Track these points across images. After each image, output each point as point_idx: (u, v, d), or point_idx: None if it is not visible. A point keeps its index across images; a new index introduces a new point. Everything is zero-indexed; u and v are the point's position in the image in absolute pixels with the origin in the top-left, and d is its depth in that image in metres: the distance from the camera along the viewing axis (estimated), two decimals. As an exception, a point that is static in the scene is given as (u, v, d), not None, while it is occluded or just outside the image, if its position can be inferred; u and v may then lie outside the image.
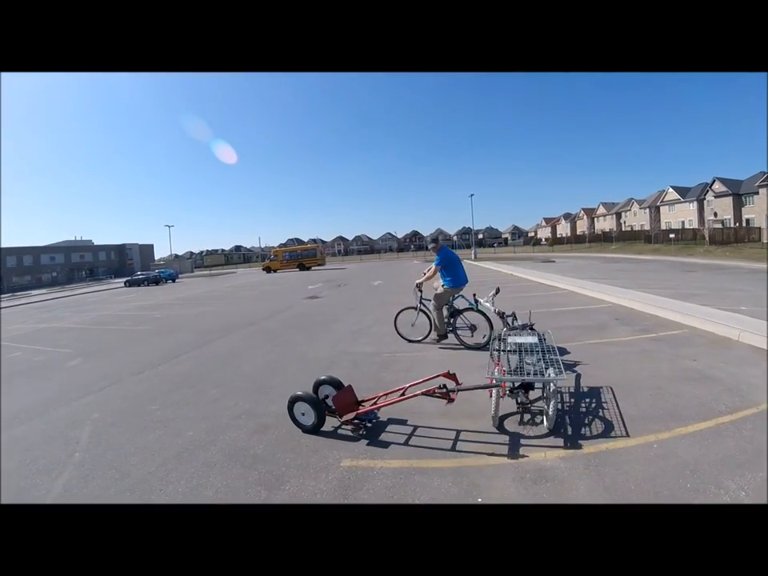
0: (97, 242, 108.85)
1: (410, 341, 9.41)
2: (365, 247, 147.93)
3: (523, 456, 4.25)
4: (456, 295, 8.98)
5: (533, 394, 5.19)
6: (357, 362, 8.11)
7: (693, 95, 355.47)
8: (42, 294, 53.08)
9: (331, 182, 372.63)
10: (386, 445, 4.72)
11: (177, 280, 54.67)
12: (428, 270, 9.18)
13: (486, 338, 8.26)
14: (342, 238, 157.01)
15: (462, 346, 8.66)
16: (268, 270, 55.88)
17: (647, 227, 75.20)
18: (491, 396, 5.01)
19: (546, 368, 4.96)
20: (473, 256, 52.67)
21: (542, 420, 4.89)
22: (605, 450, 4.24)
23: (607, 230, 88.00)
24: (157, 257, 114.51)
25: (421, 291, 9.34)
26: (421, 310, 9.42)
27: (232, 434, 5.36)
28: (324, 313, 15.40)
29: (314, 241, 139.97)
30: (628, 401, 5.37)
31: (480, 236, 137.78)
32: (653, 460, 4.01)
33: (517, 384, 5.00)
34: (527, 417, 5.14)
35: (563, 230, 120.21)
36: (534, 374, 4.87)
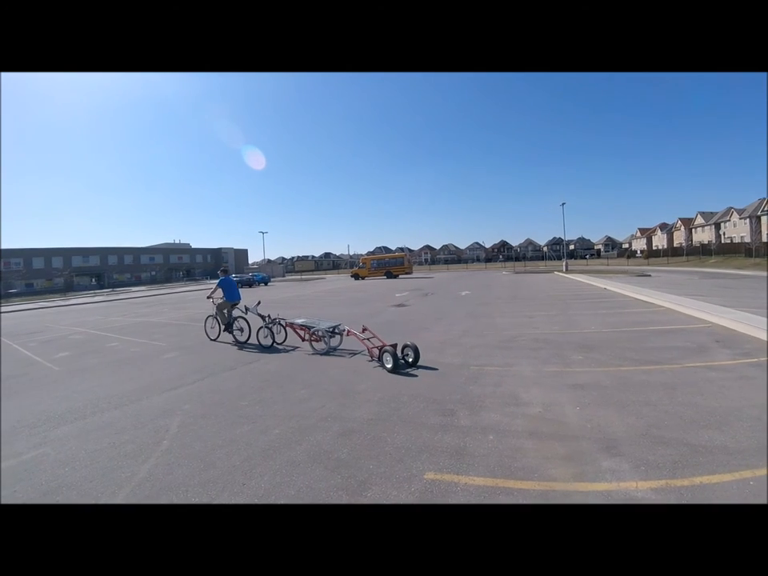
0: (194, 245, 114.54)
1: (211, 339, 13.18)
2: (452, 256, 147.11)
3: (614, 483, 4.05)
4: (234, 308, 12.86)
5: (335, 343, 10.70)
6: (444, 373, 8.03)
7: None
8: (141, 290, 56.47)
9: (419, 191, 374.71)
10: (472, 460, 4.61)
11: (269, 283, 56.44)
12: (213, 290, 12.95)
13: (247, 336, 12.18)
14: (429, 247, 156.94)
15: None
16: (356, 276, 56.88)
17: (748, 239, 69.42)
18: (314, 340, 10.72)
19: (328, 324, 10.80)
20: (564, 268, 50.79)
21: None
22: (698, 483, 3.95)
23: (705, 242, 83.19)
24: (251, 261, 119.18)
25: (214, 303, 13.03)
26: (216, 318, 13.15)
27: (318, 436, 5.45)
28: (411, 321, 15.31)
29: (402, 249, 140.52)
30: (725, 431, 5.01)
31: (571, 247, 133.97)
32: (747, 498, 3.71)
33: (329, 330, 10.46)
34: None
35: (659, 241, 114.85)
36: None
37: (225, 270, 13.46)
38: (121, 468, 4.86)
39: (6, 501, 4.19)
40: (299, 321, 11.38)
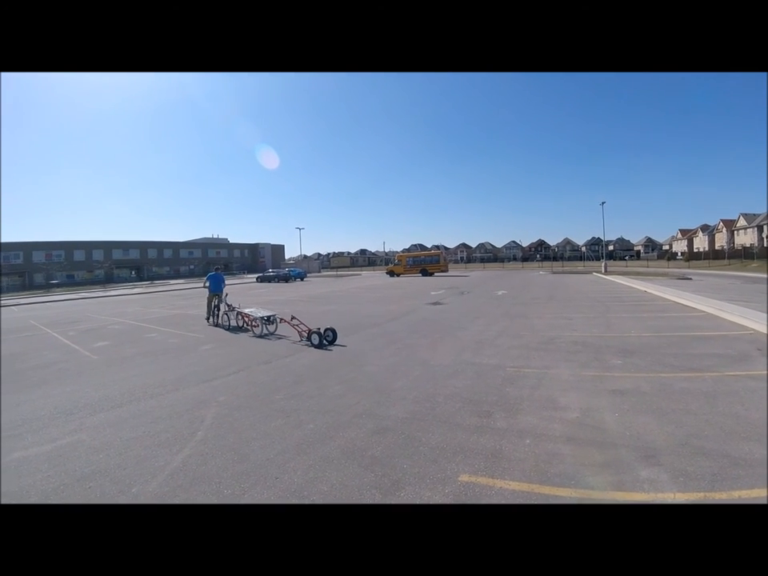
0: (232, 240, 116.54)
1: (208, 325, 15.96)
2: (488, 255, 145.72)
3: (651, 494, 3.93)
4: (215, 298, 16.13)
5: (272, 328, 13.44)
6: (480, 373, 7.98)
7: None
8: (180, 283, 57.80)
9: (454, 188, 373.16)
10: (508, 464, 4.55)
11: (305, 279, 56.78)
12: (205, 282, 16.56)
13: (218, 320, 15.76)
14: (465, 245, 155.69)
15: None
16: (391, 273, 56.76)
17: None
18: (254, 326, 13.69)
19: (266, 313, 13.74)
20: (603, 269, 49.76)
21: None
22: (737, 497, 3.81)
23: (748, 245, 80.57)
24: (287, 256, 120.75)
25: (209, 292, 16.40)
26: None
27: (351, 433, 5.45)
28: (447, 320, 15.22)
29: (437, 247, 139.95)
30: (766, 444, 4.82)
31: (610, 247, 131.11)
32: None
33: (264, 319, 13.29)
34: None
35: (700, 243, 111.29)
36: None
37: (217, 267, 17.53)
38: (155, 457, 4.95)
39: (6, 500, 4.14)
40: (246, 310, 14.49)
